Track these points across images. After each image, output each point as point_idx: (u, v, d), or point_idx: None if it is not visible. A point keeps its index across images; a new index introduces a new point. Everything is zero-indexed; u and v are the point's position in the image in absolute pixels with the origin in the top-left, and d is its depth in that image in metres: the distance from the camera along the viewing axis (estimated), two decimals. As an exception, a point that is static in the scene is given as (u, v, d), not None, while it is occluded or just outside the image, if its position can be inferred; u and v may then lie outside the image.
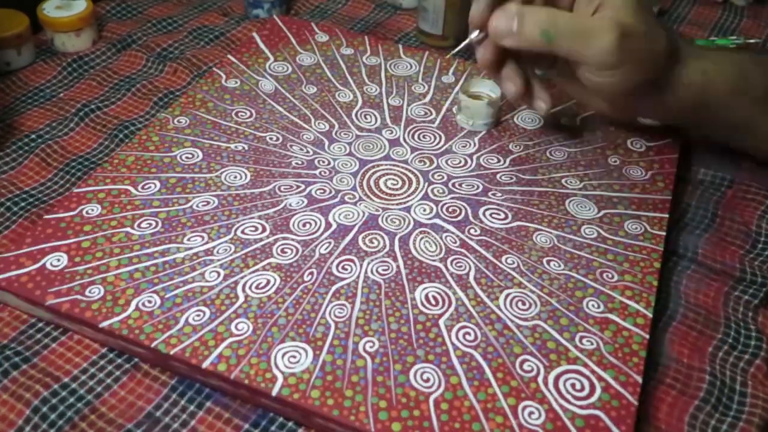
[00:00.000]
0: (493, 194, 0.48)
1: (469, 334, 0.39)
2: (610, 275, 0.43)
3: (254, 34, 0.62)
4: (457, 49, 0.45)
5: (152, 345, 0.38)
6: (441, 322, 0.40)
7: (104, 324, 0.39)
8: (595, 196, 0.48)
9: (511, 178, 0.49)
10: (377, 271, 0.42)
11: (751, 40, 0.69)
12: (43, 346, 0.40)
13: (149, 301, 0.40)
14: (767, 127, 0.49)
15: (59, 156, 0.52)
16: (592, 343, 0.39)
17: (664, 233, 0.46)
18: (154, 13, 0.69)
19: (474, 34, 0.45)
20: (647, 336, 0.40)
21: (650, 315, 0.41)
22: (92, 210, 0.45)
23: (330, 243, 0.44)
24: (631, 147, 0.52)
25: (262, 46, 0.60)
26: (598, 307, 0.41)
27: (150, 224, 0.44)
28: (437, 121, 0.54)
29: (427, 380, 0.37)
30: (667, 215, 0.47)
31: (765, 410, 0.38)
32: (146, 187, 0.47)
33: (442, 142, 0.52)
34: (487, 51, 0.46)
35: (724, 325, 0.43)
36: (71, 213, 0.45)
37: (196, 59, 0.62)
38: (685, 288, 0.45)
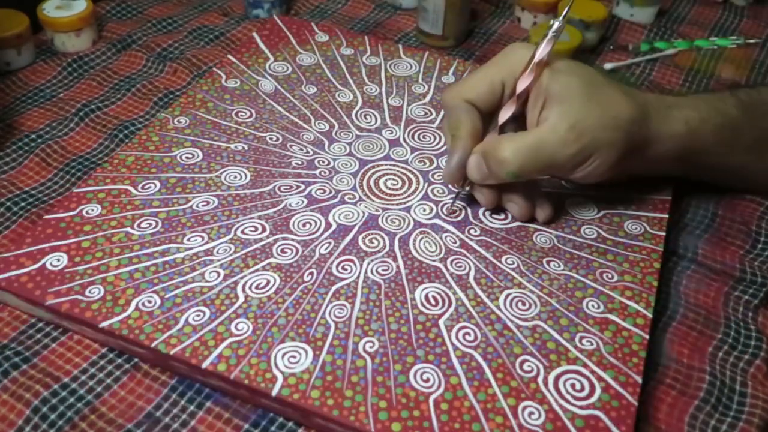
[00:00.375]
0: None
1: (469, 334, 0.39)
2: (609, 275, 0.43)
3: (254, 34, 0.62)
4: (452, 203, 0.47)
5: (152, 345, 0.38)
6: (441, 322, 0.40)
7: (104, 324, 0.39)
8: (595, 196, 0.48)
9: (511, 178, 0.49)
10: (377, 271, 0.42)
11: (751, 40, 0.69)
12: (43, 346, 0.40)
13: (149, 301, 0.40)
14: (761, 173, 0.48)
15: (59, 156, 0.52)
16: (591, 344, 0.39)
17: (664, 233, 0.46)
18: (154, 13, 0.69)
19: (459, 190, 0.46)
20: (647, 336, 0.40)
21: (650, 315, 0.41)
22: (92, 210, 0.45)
23: (330, 243, 0.44)
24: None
25: (262, 46, 0.60)
26: (598, 307, 0.41)
27: (150, 224, 0.44)
28: (437, 121, 0.54)
29: (427, 380, 0.37)
30: (667, 215, 0.47)
31: (765, 410, 0.38)
32: (146, 187, 0.47)
33: (442, 143, 0.52)
34: (483, 194, 0.45)
35: (724, 325, 0.43)
36: (71, 213, 0.45)
37: (196, 59, 0.62)
38: (685, 288, 0.45)
